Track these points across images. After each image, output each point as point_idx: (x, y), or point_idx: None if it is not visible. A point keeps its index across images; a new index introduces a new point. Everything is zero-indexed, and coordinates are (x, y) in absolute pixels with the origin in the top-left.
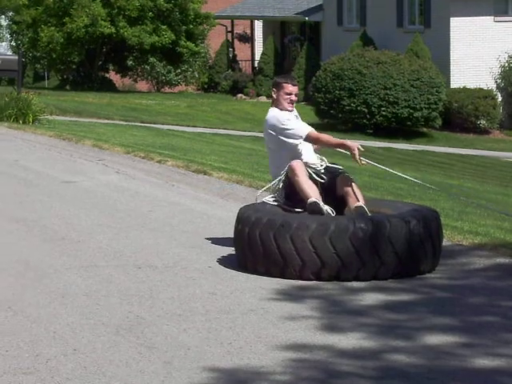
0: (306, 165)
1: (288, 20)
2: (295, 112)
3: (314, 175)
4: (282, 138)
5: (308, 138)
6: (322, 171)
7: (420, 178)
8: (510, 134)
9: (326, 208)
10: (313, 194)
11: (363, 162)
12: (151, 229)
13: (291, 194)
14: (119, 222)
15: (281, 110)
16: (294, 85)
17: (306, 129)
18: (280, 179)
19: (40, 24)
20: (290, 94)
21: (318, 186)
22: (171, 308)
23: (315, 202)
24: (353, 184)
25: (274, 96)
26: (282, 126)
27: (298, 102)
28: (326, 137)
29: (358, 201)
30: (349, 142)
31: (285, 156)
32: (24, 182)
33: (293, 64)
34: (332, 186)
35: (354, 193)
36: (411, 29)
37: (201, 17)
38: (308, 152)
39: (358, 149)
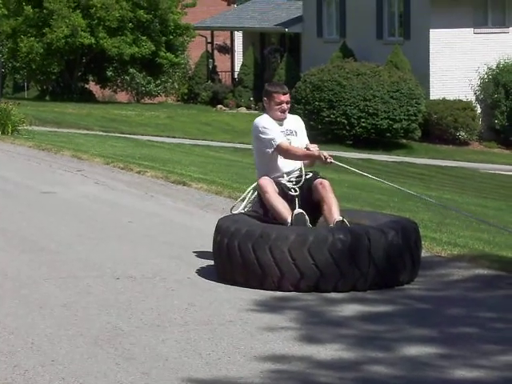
0: (276, 179)
1: (268, 31)
2: (293, 122)
3: (285, 189)
4: (258, 142)
5: (277, 149)
6: (294, 182)
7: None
8: (489, 145)
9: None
10: (283, 210)
11: (330, 160)
12: (130, 240)
13: (266, 209)
14: (98, 233)
15: (272, 117)
16: (284, 93)
17: (278, 140)
18: (253, 190)
19: (20, 34)
20: (281, 103)
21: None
22: (150, 319)
23: (301, 212)
24: (329, 190)
25: (266, 105)
26: (259, 132)
27: None
28: (296, 149)
29: (332, 210)
30: (314, 151)
31: (263, 161)
32: (2, 193)
33: (272, 75)
34: (309, 191)
35: (330, 201)
36: (391, 40)
37: (181, 28)
38: (286, 161)
39: (325, 157)
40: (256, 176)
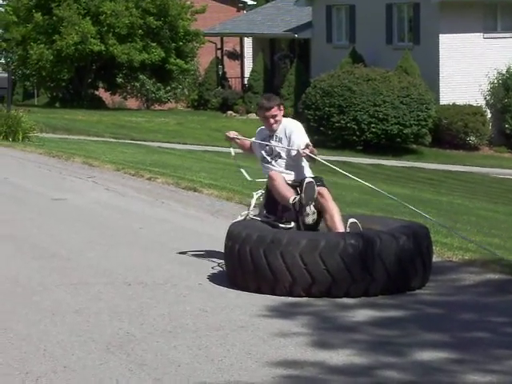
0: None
1: (277, 37)
2: (286, 128)
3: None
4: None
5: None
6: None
7: (409, 194)
8: (499, 150)
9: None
10: (290, 194)
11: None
12: (141, 246)
13: (270, 204)
14: (109, 240)
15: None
16: (267, 109)
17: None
18: (260, 193)
19: (30, 41)
20: (265, 117)
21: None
22: (161, 325)
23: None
24: (328, 199)
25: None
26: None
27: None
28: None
29: (335, 219)
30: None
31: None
32: (13, 200)
33: (282, 81)
34: None
35: (331, 211)
36: (400, 46)
37: (190, 34)
38: (281, 167)
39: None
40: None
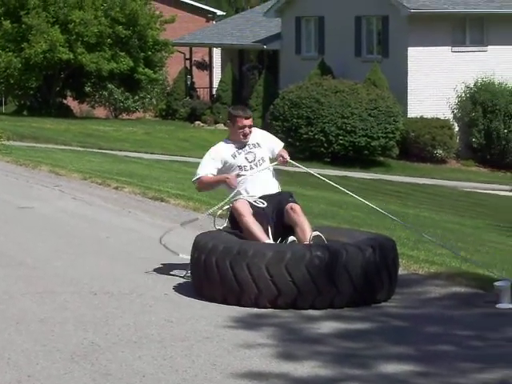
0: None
1: (246, 48)
2: (257, 135)
3: (254, 203)
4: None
5: (198, 182)
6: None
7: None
8: (466, 163)
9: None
10: (261, 235)
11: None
12: (108, 255)
13: (239, 228)
14: (76, 249)
15: (233, 140)
16: (246, 117)
17: (199, 173)
18: (225, 206)
19: None
20: (243, 127)
21: (264, 220)
22: (127, 335)
23: (294, 240)
24: (300, 214)
25: (229, 128)
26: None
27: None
28: (205, 179)
29: (306, 232)
30: (225, 176)
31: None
32: None
33: (251, 92)
34: (280, 215)
35: (303, 225)
36: (369, 58)
37: (159, 44)
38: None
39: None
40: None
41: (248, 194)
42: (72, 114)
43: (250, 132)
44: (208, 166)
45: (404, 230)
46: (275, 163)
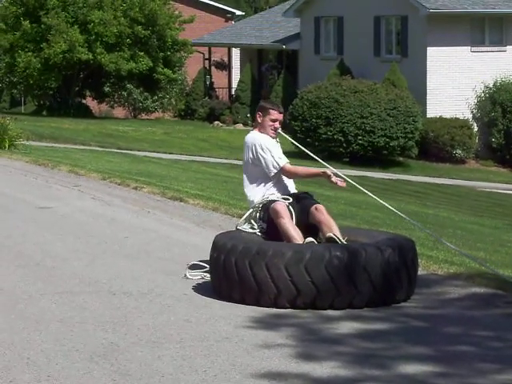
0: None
1: (265, 48)
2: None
3: (289, 206)
4: (258, 163)
5: (283, 171)
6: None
7: (396, 207)
8: (485, 163)
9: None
10: (299, 238)
11: (340, 184)
12: (126, 255)
13: (272, 232)
14: (94, 249)
15: (262, 133)
16: (280, 112)
17: (282, 161)
18: (257, 210)
19: (17, 49)
20: (276, 120)
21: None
22: (146, 335)
23: (312, 240)
24: (325, 213)
25: (259, 120)
26: (260, 152)
27: None
28: (301, 170)
29: (333, 229)
30: (323, 170)
31: (259, 182)
32: None
33: (270, 92)
34: (303, 213)
35: (329, 222)
36: (388, 58)
37: (178, 44)
38: (281, 182)
39: (332, 174)
40: (246, 192)
41: (280, 194)
42: (91, 114)
43: (279, 128)
44: (279, 154)
45: (423, 231)
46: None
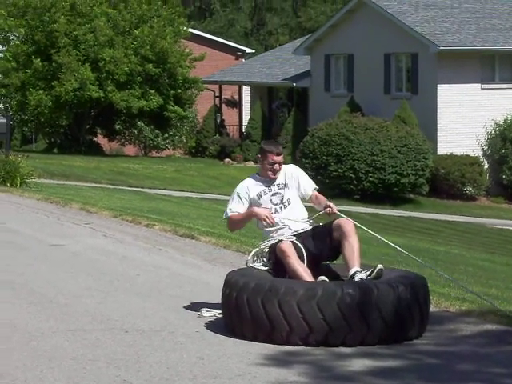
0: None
1: (276, 86)
2: (287, 174)
3: (296, 242)
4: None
5: (228, 220)
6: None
7: (407, 244)
8: (496, 200)
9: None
10: (306, 275)
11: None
12: (138, 293)
13: (281, 270)
14: (106, 286)
15: (262, 176)
16: (278, 154)
17: (228, 213)
18: (266, 246)
19: (28, 87)
20: (274, 163)
21: (305, 255)
22: (158, 372)
23: (324, 279)
24: (349, 228)
25: (259, 162)
26: (232, 194)
27: None
28: (234, 217)
29: (355, 255)
30: (256, 210)
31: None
32: (11, 245)
33: (280, 129)
34: (322, 234)
35: (353, 242)
36: (398, 95)
37: (189, 81)
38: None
39: (267, 217)
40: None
41: (284, 234)
42: (102, 151)
43: (280, 169)
44: (236, 205)
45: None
46: (320, 213)
